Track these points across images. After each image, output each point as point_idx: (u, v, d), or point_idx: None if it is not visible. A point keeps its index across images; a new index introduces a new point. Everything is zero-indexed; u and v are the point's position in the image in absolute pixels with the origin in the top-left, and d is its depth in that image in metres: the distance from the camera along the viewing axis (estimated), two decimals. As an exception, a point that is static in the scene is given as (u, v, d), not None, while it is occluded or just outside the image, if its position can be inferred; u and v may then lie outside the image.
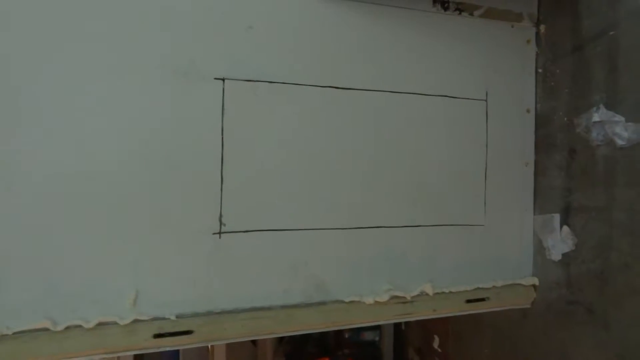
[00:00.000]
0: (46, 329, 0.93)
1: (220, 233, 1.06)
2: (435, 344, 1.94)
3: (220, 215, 1.06)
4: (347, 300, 1.16)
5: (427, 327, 2.00)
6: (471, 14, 1.27)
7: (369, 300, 1.17)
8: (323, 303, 1.14)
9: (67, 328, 0.94)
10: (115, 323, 0.97)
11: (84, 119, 0.96)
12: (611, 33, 1.12)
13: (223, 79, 1.06)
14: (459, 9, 1.25)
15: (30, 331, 0.92)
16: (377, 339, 2.34)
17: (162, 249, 1.02)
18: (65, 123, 0.95)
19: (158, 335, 1.00)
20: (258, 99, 1.09)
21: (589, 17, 1.19)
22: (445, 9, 1.24)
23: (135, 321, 0.99)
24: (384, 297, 1.18)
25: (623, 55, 1.10)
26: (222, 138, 1.06)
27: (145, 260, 1.01)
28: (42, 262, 0.94)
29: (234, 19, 1.07)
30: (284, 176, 1.11)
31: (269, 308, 1.10)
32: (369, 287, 1.19)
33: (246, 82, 1.08)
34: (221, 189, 1.06)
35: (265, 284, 1.10)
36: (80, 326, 0.95)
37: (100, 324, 0.96)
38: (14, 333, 0.91)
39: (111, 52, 0.98)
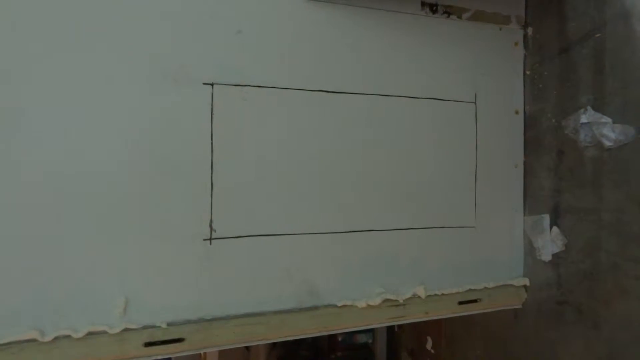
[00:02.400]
0: (34, 340, 0.91)
1: (210, 239, 1.05)
2: (428, 345, 1.94)
3: (211, 221, 1.05)
4: (339, 304, 1.16)
5: (420, 329, 2.01)
6: (459, 17, 1.27)
7: (362, 304, 1.17)
8: (315, 308, 1.14)
9: (56, 338, 0.93)
10: (105, 332, 0.96)
11: (70, 124, 0.95)
12: (597, 35, 1.14)
13: (212, 84, 1.05)
14: (447, 12, 1.26)
15: (17, 342, 0.90)
16: (370, 341, 2.34)
17: (151, 256, 1.01)
18: (52, 128, 0.94)
19: (149, 344, 0.99)
20: (247, 104, 1.08)
21: (575, 20, 1.20)
22: (434, 12, 1.24)
23: (126, 330, 0.97)
24: (376, 301, 1.18)
25: (609, 57, 1.11)
26: (212, 143, 1.05)
27: (135, 267, 1.00)
28: (29, 270, 0.92)
29: (223, 23, 1.07)
30: (275, 181, 1.11)
31: (261, 314, 1.09)
32: (361, 291, 1.19)
33: (235, 86, 1.07)
34: (211, 195, 1.05)
35: (257, 290, 1.09)
36: (69, 336, 0.94)
37: (89, 334, 0.95)
38: (1, 345, 0.89)
39: (99, 56, 0.97)
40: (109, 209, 0.97)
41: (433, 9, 1.24)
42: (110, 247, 0.98)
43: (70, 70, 0.95)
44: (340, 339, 2.30)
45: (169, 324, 1.01)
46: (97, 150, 0.97)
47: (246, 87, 1.08)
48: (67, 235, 0.95)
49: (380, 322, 1.21)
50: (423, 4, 1.22)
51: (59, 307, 0.94)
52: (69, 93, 0.95)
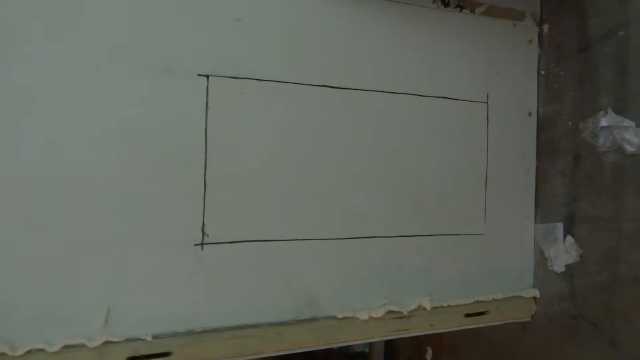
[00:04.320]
0: (3, 354, 0.82)
1: (202, 244, 0.97)
2: (429, 356, 1.87)
3: (203, 225, 0.96)
4: (340, 316, 1.07)
5: (419, 338, 1.92)
6: (472, 11, 1.20)
7: (364, 315, 1.09)
8: (314, 319, 1.06)
9: (28, 352, 0.84)
10: (84, 345, 0.87)
11: (51, 116, 0.86)
12: (620, 33, 1.07)
13: (207, 76, 0.97)
14: (460, 6, 1.18)
15: (-17, 357, 0.81)
16: (366, 350, 2.26)
17: (137, 261, 0.92)
18: (31, 121, 0.85)
19: (132, 358, 0.90)
20: (245, 98, 1.00)
21: (596, 16, 1.13)
22: (446, 5, 1.16)
23: (107, 343, 0.88)
24: (380, 313, 1.10)
25: (634, 56, 1.04)
26: (206, 140, 0.97)
27: (119, 274, 0.91)
28: None
29: (220, 11, 0.98)
30: (273, 182, 1.02)
31: (256, 326, 1.01)
32: (363, 302, 1.11)
33: (232, 79, 0.99)
34: (204, 196, 0.96)
35: (252, 300, 1.01)
36: (43, 350, 0.84)
37: (66, 347, 0.86)
38: (-35, 359, 0.80)
39: (79, 44, 0.88)
40: (90, 210, 0.88)
41: (445, 1, 1.16)
42: (91, 253, 0.89)
43: (48, 60, 0.86)
44: (335, 348, 2.22)
45: (154, 337, 0.92)
46: (79, 148, 0.88)
47: (244, 80, 1.00)
48: (43, 238, 0.86)
49: (383, 335, 1.13)
50: (435, -4, 1.15)
51: (33, 317, 0.85)
52: (48, 86, 0.86)
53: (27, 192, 0.84)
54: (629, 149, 1.04)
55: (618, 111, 1.07)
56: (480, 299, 1.22)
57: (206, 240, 0.97)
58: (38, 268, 0.85)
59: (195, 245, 0.96)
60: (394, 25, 1.14)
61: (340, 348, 2.21)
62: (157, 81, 0.93)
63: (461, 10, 1.19)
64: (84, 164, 0.88)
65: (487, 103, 1.23)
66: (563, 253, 1.21)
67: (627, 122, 1.04)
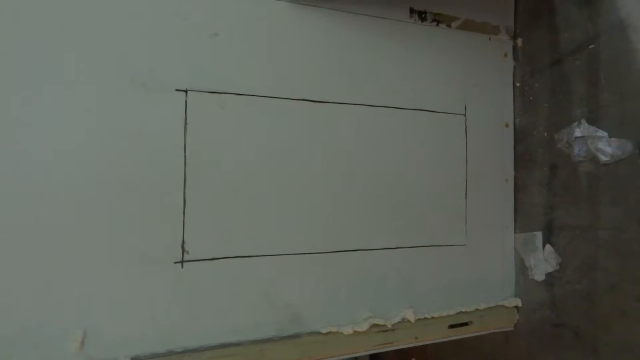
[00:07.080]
0: (-27, 382, 0.79)
1: (182, 262, 0.95)
2: (413, 367, 1.86)
3: (183, 242, 0.95)
4: (324, 331, 1.06)
5: (404, 349, 1.91)
6: (449, 26, 1.22)
7: (348, 330, 1.08)
8: (298, 335, 1.05)
9: (-1, 379, 0.81)
10: (59, 370, 0.84)
11: (24, 132, 0.84)
12: (591, 46, 1.10)
13: (185, 91, 0.96)
14: (437, 20, 1.20)
15: (-48, 386, 0.78)
16: (352, 363, 2.24)
17: (114, 281, 0.90)
18: (4, 136, 0.82)
19: (110, 382, 0.87)
20: (225, 113, 0.99)
21: (567, 31, 1.16)
22: (423, 19, 1.18)
23: (83, 367, 0.86)
24: (364, 326, 1.09)
25: (604, 68, 1.07)
26: (185, 156, 0.95)
27: (95, 294, 0.89)
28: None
29: (197, 26, 0.98)
30: (254, 197, 1.01)
31: (238, 344, 0.99)
32: (347, 316, 1.10)
33: (211, 94, 0.98)
34: (184, 213, 0.95)
35: (234, 317, 0.99)
36: (14, 377, 0.81)
37: (40, 373, 0.83)
38: None
39: (56, 57, 0.86)
40: (65, 228, 0.86)
41: (422, 16, 1.18)
42: (66, 273, 0.86)
43: (23, 74, 0.84)
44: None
45: (133, 359, 0.90)
46: (54, 163, 0.86)
47: (224, 95, 0.99)
48: (16, 258, 0.83)
49: (367, 349, 1.12)
50: (412, 11, 1.17)
51: (5, 342, 0.82)
52: (21, 99, 0.84)
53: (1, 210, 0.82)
54: (603, 158, 1.06)
55: (591, 122, 1.09)
56: (463, 310, 1.23)
57: (186, 257, 0.95)
58: (9, 289, 0.82)
59: (175, 263, 0.94)
60: (372, 40, 1.15)
61: None
62: (135, 97, 0.92)
63: (438, 25, 1.21)
64: (58, 180, 0.86)
65: (465, 115, 1.25)
66: (543, 262, 1.23)
67: (601, 132, 1.07)
